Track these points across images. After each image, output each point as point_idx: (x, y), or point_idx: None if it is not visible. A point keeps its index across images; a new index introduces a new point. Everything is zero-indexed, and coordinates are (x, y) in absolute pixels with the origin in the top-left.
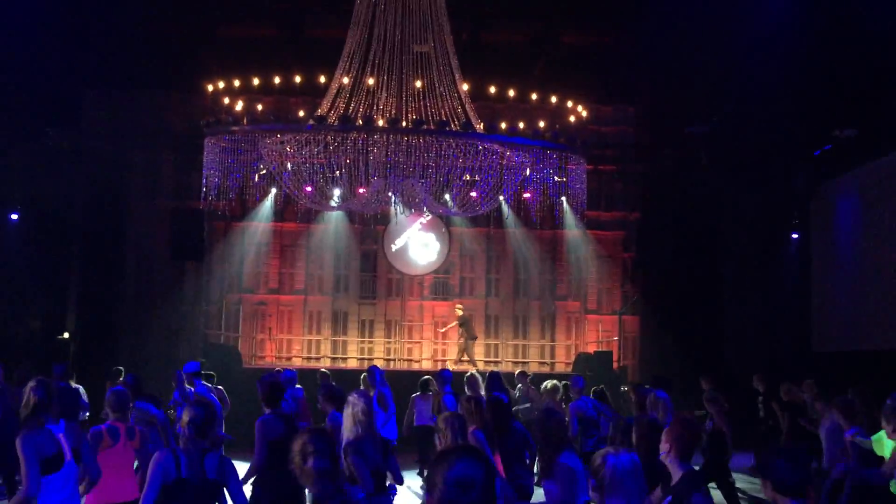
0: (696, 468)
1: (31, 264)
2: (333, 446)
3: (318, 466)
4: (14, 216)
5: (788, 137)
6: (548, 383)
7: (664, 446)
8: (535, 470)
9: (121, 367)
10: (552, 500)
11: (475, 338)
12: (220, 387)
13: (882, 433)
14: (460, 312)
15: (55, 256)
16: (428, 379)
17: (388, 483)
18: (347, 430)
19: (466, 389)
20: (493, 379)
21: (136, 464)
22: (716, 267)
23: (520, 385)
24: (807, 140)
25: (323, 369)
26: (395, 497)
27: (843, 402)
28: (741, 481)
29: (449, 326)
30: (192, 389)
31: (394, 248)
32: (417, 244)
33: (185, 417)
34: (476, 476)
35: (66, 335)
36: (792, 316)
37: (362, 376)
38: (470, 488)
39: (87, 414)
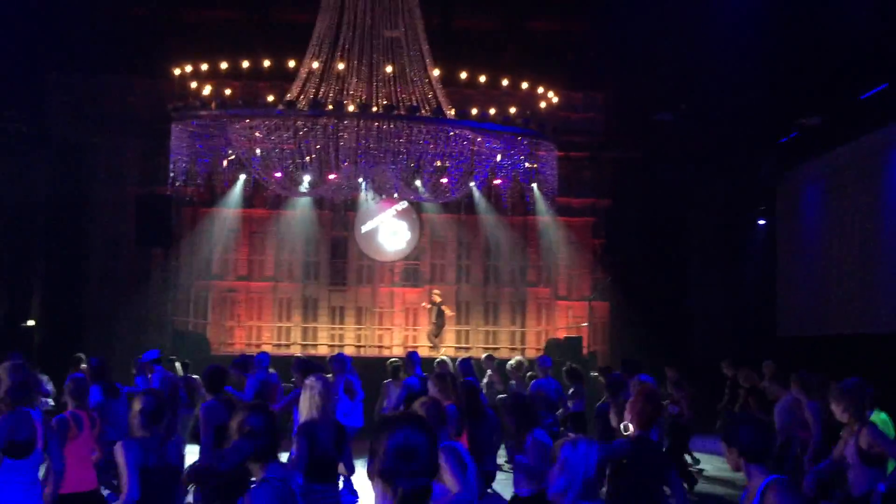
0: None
1: None
2: (273, 424)
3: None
4: None
5: (754, 125)
6: (513, 360)
7: (626, 415)
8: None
9: (81, 355)
10: (524, 472)
11: (442, 325)
12: (195, 376)
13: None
14: (438, 299)
15: (18, 243)
16: (398, 364)
17: (339, 473)
18: (303, 412)
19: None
20: (464, 364)
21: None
22: (683, 253)
23: (489, 371)
24: (773, 128)
25: (298, 354)
26: (352, 488)
27: (801, 376)
28: (707, 463)
29: (435, 305)
30: (150, 377)
31: (363, 229)
32: (388, 231)
33: (135, 407)
34: (419, 443)
35: (32, 323)
36: (758, 301)
37: (327, 361)
38: (412, 456)
39: (52, 403)
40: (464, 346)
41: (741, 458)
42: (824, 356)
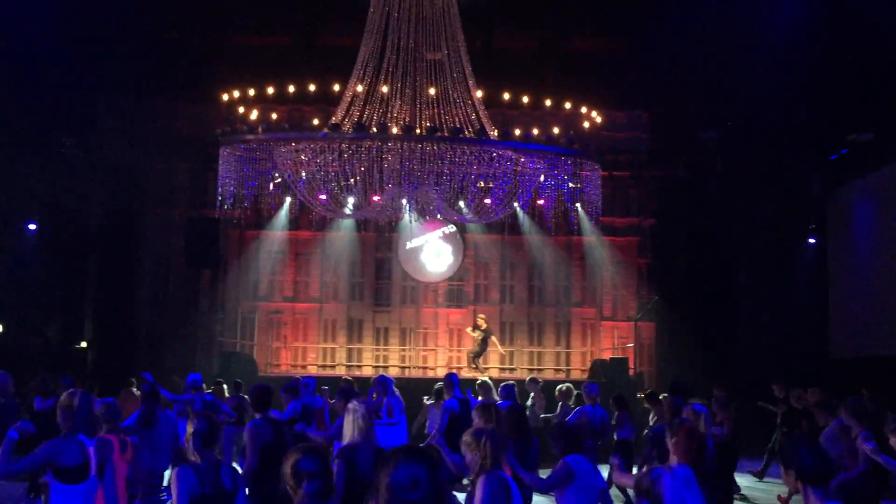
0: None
1: (48, 273)
2: (327, 464)
3: (311, 490)
4: (32, 226)
5: (804, 142)
6: (562, 386)
7: (672, 457)
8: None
9: (133, 379)
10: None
11: (484, 350)
12: (245, 395)
13: None
14: (484, 325)
15: (72, 265)
16: (441, 388)
17: None
18: (346, 435)
19: (479, 395)
20: (507, 389)
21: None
22: (731, 272)
23: (532, 393)
24: (822, 144)
25: (345, 376)
26: None
27: (853, 403)
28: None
29: (481, 331)
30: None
31: (407, 248)
32: (432, 252)
33: (189, 429)
34: (419, 475)
35: (84, 344)
36: (809, 321)
37: (372, 382)
38: (414, 488)
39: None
40: (508, 366)
41: (798, 481)
42: (880, 378)
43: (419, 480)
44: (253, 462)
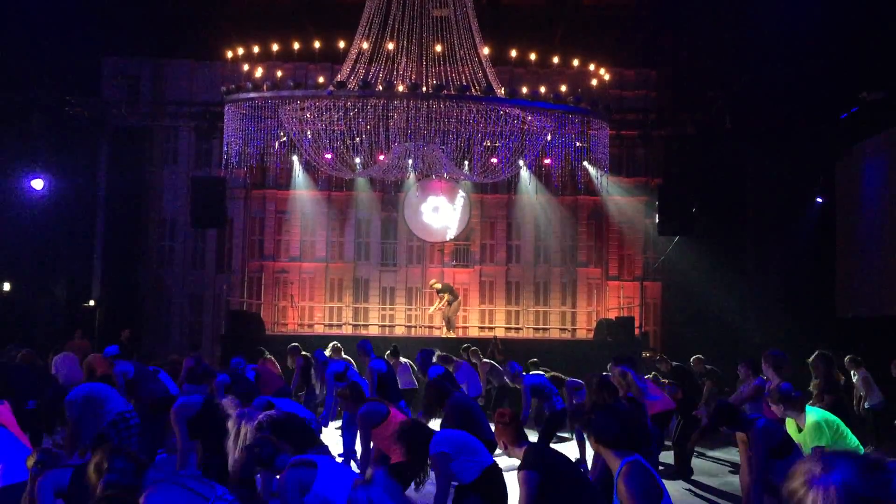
0: None
1: (56, 233)
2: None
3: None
4: (38, 185)
5: (814, 100)
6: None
7: None
8: None
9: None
10: None
11: (457, 297)
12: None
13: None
14: (438, 286)
15: (79, 225)
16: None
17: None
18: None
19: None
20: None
21: None
22: (739, 232)
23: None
24: (833, 103)
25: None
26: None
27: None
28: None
29: (436, 307)
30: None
31: (413, 209)
32: (438, 212)
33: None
34: None
35: (92, 303)
36: (816, 281)
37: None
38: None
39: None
40: (514, 325)
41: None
42: (885, 337)
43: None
44: None
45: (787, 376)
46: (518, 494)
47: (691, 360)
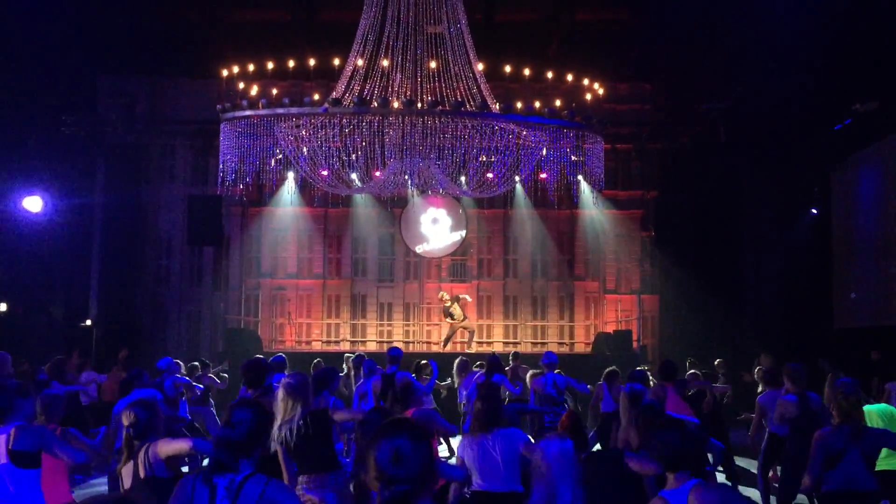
0: None
1: (52, 252)
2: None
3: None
4: (35, 206)
5: (808, 112)
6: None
7: None
8: None
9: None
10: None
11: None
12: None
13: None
14: (447, 298)
15: (76, 244)
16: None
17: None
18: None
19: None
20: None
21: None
22: (735, 244)
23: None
24: (826, 114)
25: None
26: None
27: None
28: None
29: (457, 328)
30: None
31: (410, 225)
32: (434, 227)
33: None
34: (404, 448)
35: (89, 322)
36: (813, 292)
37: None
38: (399, 461)
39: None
40: (512, 340)
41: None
42: (883, 348)
43: (402, 453)
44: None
45: (802, 387)
46: None
47: (715, 362)
